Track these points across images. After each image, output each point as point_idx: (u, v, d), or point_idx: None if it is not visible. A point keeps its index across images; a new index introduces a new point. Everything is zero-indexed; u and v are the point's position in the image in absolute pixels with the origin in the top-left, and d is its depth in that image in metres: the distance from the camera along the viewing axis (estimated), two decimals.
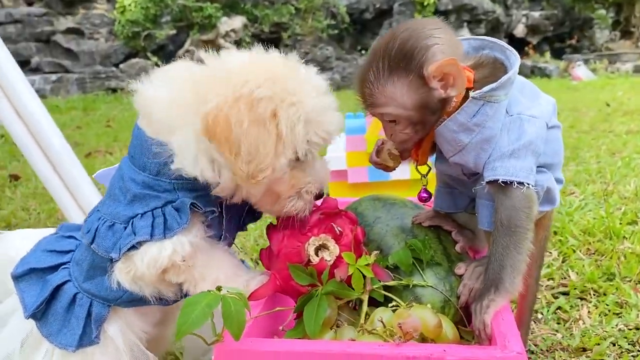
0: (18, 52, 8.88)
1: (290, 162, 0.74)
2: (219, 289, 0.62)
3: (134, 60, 8.72)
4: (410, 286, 0.78)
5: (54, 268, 0.84)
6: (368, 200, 0.97)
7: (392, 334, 0.65)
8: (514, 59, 0.85)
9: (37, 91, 5.73)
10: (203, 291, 0.63)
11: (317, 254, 0.73)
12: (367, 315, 0.73)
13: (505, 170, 0.79)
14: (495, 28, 10.89)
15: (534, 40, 11.13)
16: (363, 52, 11.21)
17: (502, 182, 0.78)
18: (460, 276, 0.82)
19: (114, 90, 7.91)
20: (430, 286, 0.78)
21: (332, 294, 0.71)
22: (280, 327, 0.73)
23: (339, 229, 0.74)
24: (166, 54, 9.44)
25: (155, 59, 9.13)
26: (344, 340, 0.68)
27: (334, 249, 0.73)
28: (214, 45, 9.46)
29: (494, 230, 0.80)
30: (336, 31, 10.90)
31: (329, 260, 0.72)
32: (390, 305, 0.73)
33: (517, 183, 0.78)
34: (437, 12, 10.79)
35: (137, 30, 9.21)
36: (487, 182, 0.80)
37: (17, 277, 0.84)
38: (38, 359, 0.82)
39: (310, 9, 10.56)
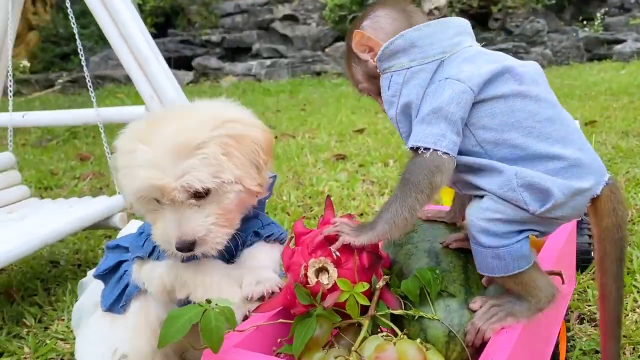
0: (242, 39, 9.93)
1: None
2: (208, 301, 0.70)
3: (338, 44, 9.12)
4: (416, 317, 0.76)
5: (128, 248, 1.03)
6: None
7: None
8: (419, 27, 0.87)
9: (254, 75, 6.33)
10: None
11: (317, 276, 0.76)
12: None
13: (414, 136, 0.80)
14: None
15: None
16: (585, 22, 10.09)
17: (410, 147, 0.80)
18: (475, 311, 0.77)
19: (318, 74, 8.39)
20: (437, 319, 0.76)
21: (323, 317, 0.74)
22: (279, 340, 0.78)
23: (337, 253, 0.76)
24: None
25: None
26: None
27: (333, 272, 0.75)
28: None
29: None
30: (554, 1, 9.97)
31: (327, 284, 0.75)
32: (383, 334, 0.73)
33: (424, 149, 0.78)
34: None
35: (343, 13, 9.59)
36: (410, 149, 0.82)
37: (109, 248, 1.08)
38: (97, 314, 1.05)
39: None
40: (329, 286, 0.75)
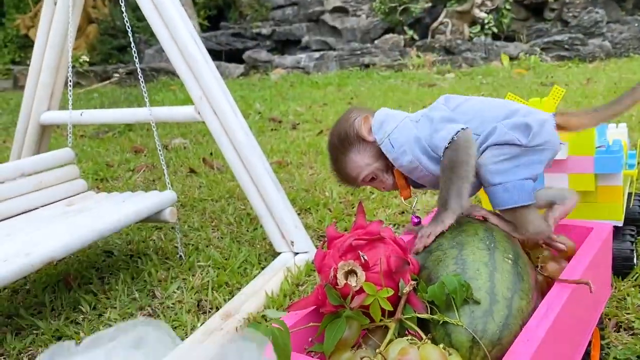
0: (292, 32, 10.02)
1: None
2: (264, 317, 0.76)
3: (387, 36, 9.07)
4: (441, 322, 0.80)
5: None
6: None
7: None
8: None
9: (302, 68, 6.41)
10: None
11: (346, 278, 0.80)
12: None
13: (439, 141, 1.04)
14: None
15: None
16: None
17: (446, 147, 1.02)
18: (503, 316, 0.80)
19: (367, 66, 8.37)
20: (461, 325, 0.79)
21: (352, 318, 0.78)
22: (310, 339, 0.83)
23: (365, 257, 0.80)
24: (422, 26, 9.55)
25: (411, 32, 9.33)
26: None
27: (361, 276, 0.79)
28: (469, 15, 9.25)
29: (440, 172, 1.04)
30: None
31: (355, 286, 0.79)
32: (409, 337, 0.77)
33: (452, 138, 1.02)
34: None
35: (393, 5, 9.51)
36: (443, 154, 1.04)
37: None
38: None
39: None
40: (357, 288, 0.79)
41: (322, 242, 0.89)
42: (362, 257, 0.80)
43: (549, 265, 1.01)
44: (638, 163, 1.62)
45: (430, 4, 9.58)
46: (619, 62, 7.54)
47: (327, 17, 10.20)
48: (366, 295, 0.78)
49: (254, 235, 2.01)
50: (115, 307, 1.58)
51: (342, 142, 1.14)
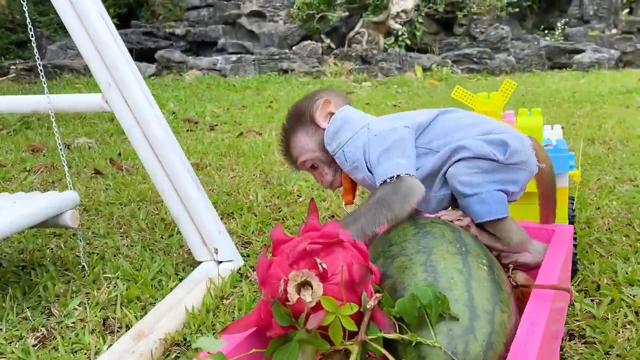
0: (208, 33, 9.73)
1: None
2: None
3: (305, 43, 9.01)
4: (413, 343, 0.66)
5: None
6: (405, 224, 0.85)
7: None
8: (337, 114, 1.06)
9: (219, 70, 6.20)
10: None
11: (299, 292, 0.64)
12: None
13: (378, 176, 0.96)
14: None
15: None
16: (546, 31, 10.31)
17: (384, 181, 0.95)
18: (486, 333, 0.68)
19: (285, 72, 8.26)
20: (438, 346, 0.66)
21: (306, 342, 0.63)
22: None
23: (324, 265, 0.65)
24: (338, 35, 9.61)
25: (328, 40, 9.36)
26: None
27: (317, 288, 0.64)
28: (384, 26, 9.39)
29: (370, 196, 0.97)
30: (517, 9, 10.14)
31: (310, 302, 0.63)
32: None
33: (389, 178, 0.94)
34: None
35: (311, 12, 9.50)
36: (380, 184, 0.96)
37: None
38: None
39: None
40: (313, 304, 0.64)
41: (264, 248, 0.73)
42: (320, 265, 0.64)
43: (518, 274, 0.91)
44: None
45: (347, 14, 9.65)
46: (523, 76, 7.94)
47: (244, 21, 10.03)
48: (325, 313, 0.63)
49: (169, 242, 1.80)
50: (1, 329, 1.32)
51: (296, 117, 1.07)
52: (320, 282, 0.64)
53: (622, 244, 1.61)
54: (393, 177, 0.93)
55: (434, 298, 0.67)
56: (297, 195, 2.25)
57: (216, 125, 4.18)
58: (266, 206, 2.13)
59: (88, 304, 1.40)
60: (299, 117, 1.06)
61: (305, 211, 2.05)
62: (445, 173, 0.99)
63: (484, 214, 0.95)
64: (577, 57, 8.66)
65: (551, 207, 1.14)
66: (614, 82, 6.37)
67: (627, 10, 9.97)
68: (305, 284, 0.65)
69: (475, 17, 9.91)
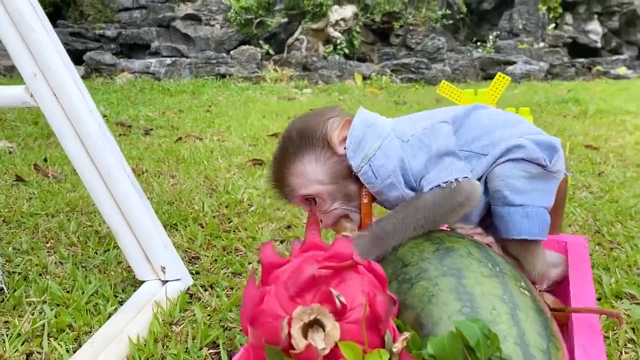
0: (140, 36, 9.34)
1: None
2: None
3: (244, 47, 8.81)
4: None
5: None
6: (418, 238, 0.70)
7: None
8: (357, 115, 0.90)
9: (152, 74, 5.91)
10: None
11: (305, 335, 0.48)
12: None
13: (428, 183, 0.80)
14: (630, 21, 9.79)
15: None
16: (479, 43, 10.62)
17: (437, 185, 0.79)
18: None
19: (223, 76, 8.02)
20: None
21: None
22: None
23: (342, 298, 0.49)
24: (277, 42, 9.48)
25: (266, 46, 9.21)
26: None
27: (333, 330, 0.48)
28: (323, 34, 9.33)
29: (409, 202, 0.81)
30: (451, 22, 10.40)
31: (324, 349, 0.47)
32: None
33: (440, 184, 0.79)
34: (564, 3, 9.93)
35: (249, 17, 9.33)
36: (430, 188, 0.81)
37: None
38: None
39: None
40: (327, 351, 0.47)
41: (251, 273, 0.55)
42: (337, 299, 0.48)
43: (545, 295, 0.78)
44: None
45: (285, 20, 9.54)
46: (459, 86, 8.07)
47: (178, 24, 9.72)
48: None
49: (105, 258, 1.57)
50: None
51: (301, 138, 0.86)
52: (336, 322, 0.48)
53: (598, 252, 1.54)
54: (448, 181, 0.78)
55: (482, 337, 0.52)
56: (248, 204, 2.06)
57: (151, 129, 3.92)
58: (214, 216, 1.93)
59: (7, 335, 1.17)
60: (307, 139, 0.87)
61: (258, 222, 1.87)
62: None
63: (525, 231, 0.83)
64: (510, 68, 8.94)
65: (561, 217, 1.03)
66: (547, 92, 6.57)
67: (552, 25, 10.39)
68: (314, 324, 0.49)
69: (411, 27, 10.06)
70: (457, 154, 0.82)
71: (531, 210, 0.82)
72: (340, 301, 0.48)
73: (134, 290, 1.34)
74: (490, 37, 10.54)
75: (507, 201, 0.83)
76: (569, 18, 10.07)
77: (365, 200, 0.86)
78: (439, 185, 0.78)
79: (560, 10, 9.99)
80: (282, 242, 1.71)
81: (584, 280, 0.75)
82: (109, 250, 1.63)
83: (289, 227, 1.84)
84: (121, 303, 1.29)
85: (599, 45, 9.67)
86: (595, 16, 9.70)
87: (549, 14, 10.10)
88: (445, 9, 10.17)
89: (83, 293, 1.33)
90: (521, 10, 10.40)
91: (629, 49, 9.82)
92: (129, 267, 1.44)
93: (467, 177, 0.80)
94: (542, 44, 10.20)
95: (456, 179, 0.78)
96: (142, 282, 1.37)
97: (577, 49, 9.76)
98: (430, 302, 0.60)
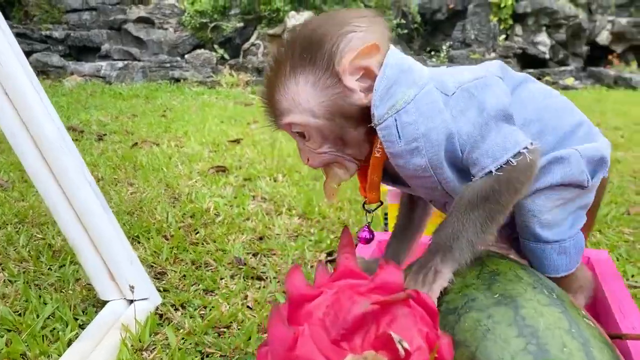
0: (90, 38, 9.02)
1: None
2: None
3: (199, 51, 8.63)
4: None
5: None
6: None
7: None
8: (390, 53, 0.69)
9: (103, 77, 5.67)
10: None
11: None
12: None
13: (487, 158, 0.63)
14: (576, 34, 10.14)
15: (619, 49, 10.27)
16: (432, 53, 10.78)
17: (495, 170, 0.63)
18: None
19: (177, 80, 7.82)
20: None
21: None
22: None
23: (405, 344, 0.40)
24: (232, 46, 9.34)
25: (221, 51, 9.05)
26: None
27: None
28: (280, 39, 9.26)
29: (460, 196, 0.65)
30: (406, 31, 10.52)
31: None
32: None
33: (509, 160, 0.63)
34: (514, 15, 10.21)
35: (204, 21, 9.16)
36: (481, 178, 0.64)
37: None
38: None
39: (380, 7, 10.26)
40: None
41: (273, 306, 0.44)
42: (399, 345, 0.39)
43: None
44: None
45: (241, 25, 9.40)
46: None
47: (130, 27, 9.43)
48: None
49: (61, 275, 1.42)
50: None
51: (303, 49, 0.66)
52: None
53: None
54: (517, 154, 0.62)
55: None
56: (215, 214, 1.94)
57: (105, 134, 3.73)
58: (179, 227, 1.80)
59: None
60: (311, 53, 0.65)
61: (227, 233, 1.75)
62: None
63: (563, 268, 0.71)
64: None
65: (594, 219, 0.89)
66: None
67: (503, 36, 10.65)
68: None
69: None
70: (510, 116, 0.66)
71: (568, 244, 0.71)
72: (403, 347, 0.39)
73: (96, 312, 1.21)
74: (444, 47, 10.72)
75: (539, 238, 0.70)
76: (518, 29, 10.34)
77: (378, 155, 0.69)
78: (502, 166, 0.62)
79: (510, 21, 10.24)
80: (255, 255, 1.60)
81: (625, 301, 0.69)
82: (64, 265, 1.48)
83: (261, 238, 1.73)
84: (82, 327, 1.16)
85: (547, 56, 9.95)
86: (544, 28, 9.99)
87: (499, 25, 10.33)
88: (400, 18, 10.28)
89: (38, 316, 1.19)
90: (473, 21, 10.61)
91: (575, 61, 10.16)
92: (89, 284, 1.31)
93: (528, 146, 0.64)
94: (493, 55, 10.43)
95: (512, 157, 0.63)
96: (105, 302, 1.24)
97: (527, 59, 10.03)
98: (486, 337, 0.51)
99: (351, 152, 0.70)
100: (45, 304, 1.25)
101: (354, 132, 0.67)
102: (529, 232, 0.70)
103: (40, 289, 1.35)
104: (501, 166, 0.62)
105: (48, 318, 1.19)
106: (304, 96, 0.66)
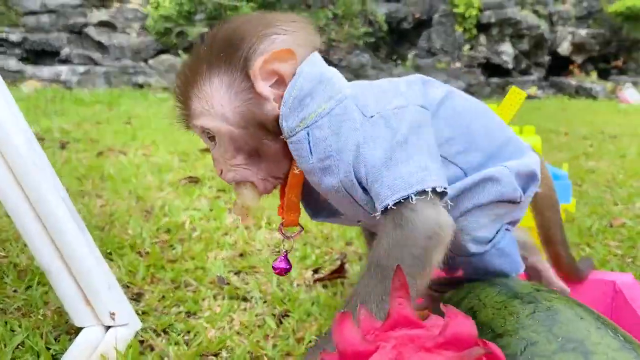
0: (49, 42, 8.73)
1: None
2: None
3: (163, 57, 8.46)
4: None
5: None
6: (496, 294, 0.56)
7: None
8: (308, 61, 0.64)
9: (64, 82, 5.49)
10: None
11: None
12: None
13: (387, 189, 0.56)
14: (538, 44, 10.40)
15: (579, 59, 10.57)
16: (398, 61, 10.87)
17: (393, 206, 0.56)
18: None
19: (141, 86, 7.64)
20: None
21: None
22: None
23: None
24: None
25: (186, 56, 8.90)
26: None
27: None
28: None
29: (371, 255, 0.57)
30: (372, 39, 10.58)
31: None
32: None
33: (415, 195, 0.56)
34: (478, 25, 10.39)
35: (169, 26, 8.99)
36: (382, 214, 0.57)
37: None
38: None
39: (347, 15, 10.30)
40: None
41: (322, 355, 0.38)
42: None
43: None
44: None
45: (207, 30, 9.29)
46: None
47: (91, 31, 9.18)
48: None
49: (28, 298, 1.31)
50: None
51: (221, 49, 0.62)
52: None
53: None
54: (421, 191, 0.55)
55: None
56: (191, 229, 1.85)
57: (68, 142, 3.57)
58: (154, 243, 1.71)
59: None
60: (228, 53, 0.61)
61: (206, 249, 1.66)
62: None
63: (510, 268, 0.72)
64: None
65: (558, 247, 0.91)
66: None
67: (468, 46, 10.81)
68: None
69: (334, 43, 10.13)
70: (432, 154, 0.61)
71: (503, 244, 0.71)
72: None
73: (70, 340, 1.11)
74: (410, 55, 10.82)
75: (471, 253, 0.70)
76: (483, 39, 10.52)
77: (297, 172, 0.64)
78: (399, 202, 0.55)
79: (475, 31, 10.42)
80: (237, 273, 1.52)
81: None
82: (31, 286, 1.37)
83: (241, 255, 1.65)
84: (55, 357, 1.06)
85: (510, 66, 10.15)
86: (507, 38, 10.20)
87: (464, 35, 10.49)
88: (366, 26, 10.33)
89: (5, 345, 1.08)
90: (439, 30, 10.76)
91: (537, 70, 10.40)
92: (59, 308, 1.20)
93: (444, 189, 0.58)
94: (458, 64, 10.58)
95: (430, 190, 0.56)
96: (80, 328, 1.14)
97: (491, 68, 10.21)
98: None
99: (268, 167, 0.65)
100: (13, 331, 1.14)
101: (271, 145, 0.63)
102: (462, 249, 0.69)
103: (5, 313, 1.23)
104: (401, 201, 0.55)
105: (17, 348, 1.09)
106: (218, 99, 0.61)
